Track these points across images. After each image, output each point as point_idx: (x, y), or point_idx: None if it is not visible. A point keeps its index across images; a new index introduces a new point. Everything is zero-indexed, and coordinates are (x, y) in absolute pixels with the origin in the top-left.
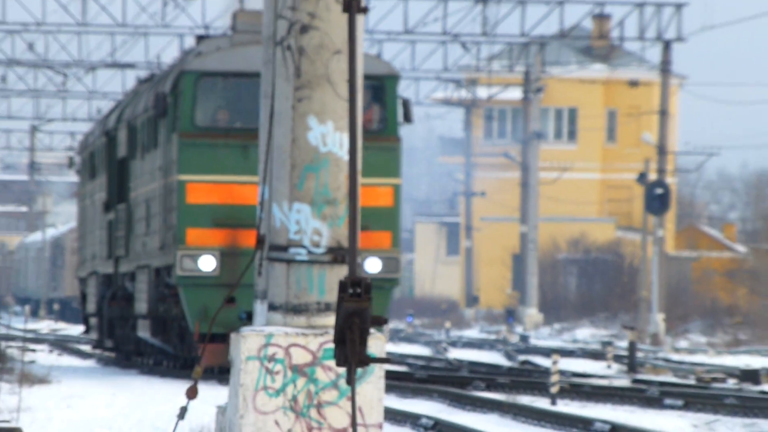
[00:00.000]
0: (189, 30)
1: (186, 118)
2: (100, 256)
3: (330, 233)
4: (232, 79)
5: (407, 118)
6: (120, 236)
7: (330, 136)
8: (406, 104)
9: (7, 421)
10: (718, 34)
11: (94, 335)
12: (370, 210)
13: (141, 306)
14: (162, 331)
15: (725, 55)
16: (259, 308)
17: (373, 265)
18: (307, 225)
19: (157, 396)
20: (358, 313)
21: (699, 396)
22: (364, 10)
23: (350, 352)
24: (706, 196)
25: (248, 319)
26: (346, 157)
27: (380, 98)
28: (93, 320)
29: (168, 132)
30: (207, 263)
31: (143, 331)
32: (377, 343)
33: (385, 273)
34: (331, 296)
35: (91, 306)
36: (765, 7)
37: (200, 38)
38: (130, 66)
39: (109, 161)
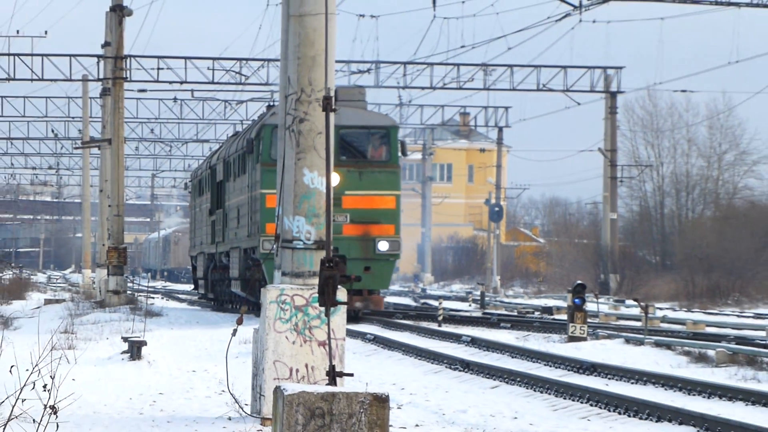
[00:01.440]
0: (239, 122)
1: (266, 153)
2: (206, 242)
3: (316, 233)
4: None
5: (404, 152)
6: (219, 229)
7: (316, 179)
8: (403, 144)
9: (138, 337)
10: (529, 123)
11: (201, 291)
12: (382, 210)
13: (234, 272)
14: (247, 288)
15: (534, 134)
16: (277, 274)
17: (383, 246)
18: (303, 228)
19: (225, 324)
20: (331, 276)
21: (519, 321)
22: (334, 110)
23: (327, 298)
24: (523, 212)
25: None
26: (324, 190)
27: (387, 140)
28: (201, 282)
29: (253, 163)
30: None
31: (235, 288)
32: (342, 294)
33: (390, 250)
34: (317, 267)
35: (200, 273)
36: (555, 107)
37: (269, 106)
38: (206, 141)
39: (212, 184)
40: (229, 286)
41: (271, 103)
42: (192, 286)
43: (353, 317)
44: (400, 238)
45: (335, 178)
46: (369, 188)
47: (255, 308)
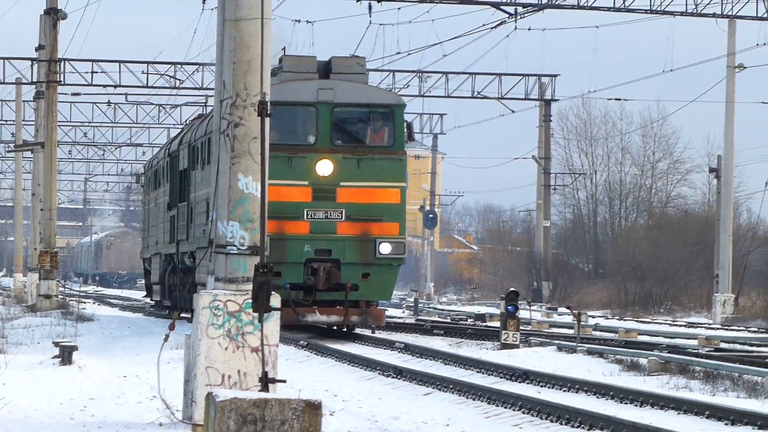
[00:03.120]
0: (173, 126)
1: None
2: (163, 241)
3: (250, 238)
4: (280, 107)
5: (410, 137)
6: (182, 226)
7: (251, 184)
8: (409, 126)
9: (69, 342)
10: (464, 130)
11: (156, 297)
12: (384, 206)
13: (203, 277)
14: None
15: (469, 141)
16: (210, 279)
17: (385, 248)
18: (237, 233)
19: (158, 329)
20: (265, 282)
21: (453, 328)
22: (269, 115)
23: (260, 304)
24: (457, 219)
25: (291, 289)
26: (258, 195)
27: (390, 121)
28: (156, 287)
29: None
30: None
31: None
32: (276, 299)
33: (394, 254)
34: (250, 273)
35: (154, 277)
36: (490, 114)
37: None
38: (140, 145)
39: (171, 174)
40: (193, 291)
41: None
42: (144, 293)
43: (346, 334)
44: (406, 240)
45: (327, 166)
46: (369, 179)
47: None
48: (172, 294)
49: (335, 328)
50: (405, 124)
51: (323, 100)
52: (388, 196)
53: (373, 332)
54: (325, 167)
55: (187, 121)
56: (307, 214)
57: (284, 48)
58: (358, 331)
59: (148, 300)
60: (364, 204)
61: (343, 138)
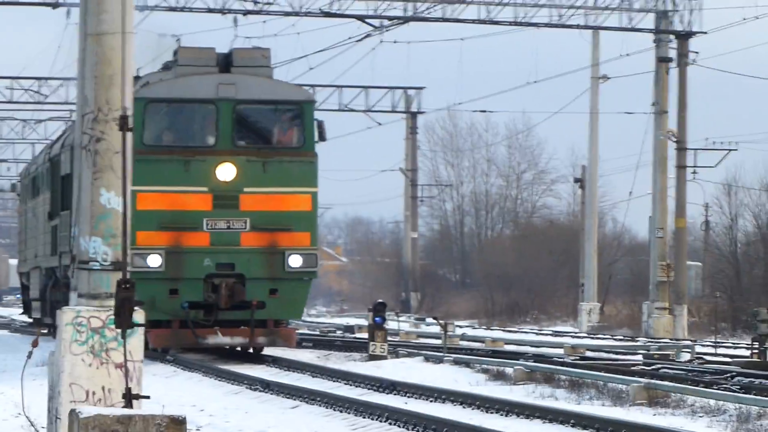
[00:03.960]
0: (38, 141)
1: (136, 137)
2: (44, 254)
3: (113, 254)
4: (175, 105)
5: (321, 137)
6: (64, 236)
7: (113, 199)
8: (320, 125)
9: None
10: (331, 142)
11: (36, 315)
12: (293, 214)
13: None
14: None
15: (336, 154)
16: (73, 296)
17: (295, 261)
18: (100, 249)
19: (25, 346)
20: (127, 298)
21: (321, 340)
22: (130, 129)
23: (123, 320)
24: (326, 231)
25: (190, 307)
26: (120, 210)
27: (300, 120)
28: (35, 304)
29: None
30: (154, 260)
31: None
32: (140, 315)
33: (305, 267)
34: (113, 289)
35: (34, 292)
36: (357, 127)
37: (136, 78)
38: (4, 161)
39: (52, 180)
40: None
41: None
42: (21, 310)
43: (251, 355)
44: (318, 251)
45: (229, 170)
46: (276, 184)
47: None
48: (54, 310)
49: (239, 349)
50: (315, 123)
51: (224, 97)
52: (297, 202)
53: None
54: (226, 171)
55: (63, 129)
56: (207, 224)
57: (178, 39)
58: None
59: (26, 318)
60: (271, 212)
61: (246, 138)
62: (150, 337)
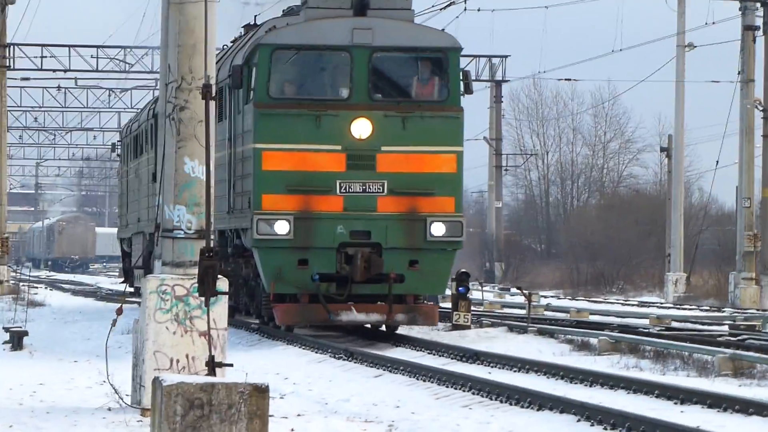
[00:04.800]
0: (123, 110)
1: (262, 88)
2: (148, 218)
3: (197, 222)
4: (305, 52)
5: (468, 89)
6: None
7: (197, 168)
8: (466, 76)
9: (20, 327)
10: None
11: (138, 284)
12: (435, 176)
13: None
14: None
15: None
16: (157, 264)
17: (438, 229)
18: (184, 217)
19: (110, 314)
20: (211, 266)
21: None
22: (213, 98)
23: (207, 288)
24: None
25: (321, 280)
26: (204, 179)
27: (443, 70)
28: (137, 272)
29: (241, 102)
30: (282, 227)
31: None
32: (223, 283)
33: (448, 236)
34: (197, 257)
35: (137, 260)
36: None
37: (254, 25)
38: (90, 129)
39: (157, 138)
40: None
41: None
42: (121, 279)
43: (386, 335)
44: (464, 218)
45: (365, 127)
46: (417, 142)
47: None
48: None
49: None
50: (461, 73)
51: (359, 43)
52: (441, 163)
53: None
54: (362, 128)
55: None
56: (341, 187)
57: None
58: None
59: (127, 287)
60: (412, 174)
61: (384, 91)
62: (276, 313)
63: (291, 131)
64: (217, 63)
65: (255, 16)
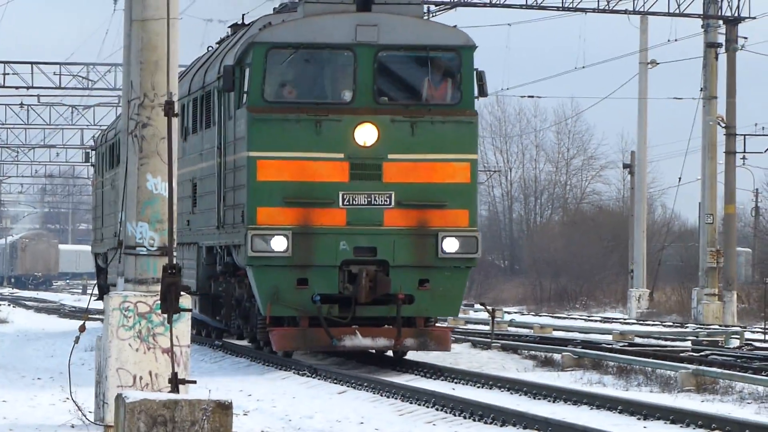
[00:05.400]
0: (86, 126)
1: (256, 90)
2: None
3: (159, 239)
4: (303, 51)
5: (482, 91)
6: None
7: (159, 185)
8: (481, 77)
9: None
10: None
11: None
12: (447, 187)
13: (188, 282)
14: (210, 307)
15: None
16: (120, 281)
17: (450, 245)
18: (147, 234)
19: (73, 332)
20: (173, 283)
21: None
22: (176, 115)
23: (169, 305)
24: None
25: (322, 301)
26: (167, 196)
27: (456, 70)
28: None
29: (232, 107)
30: (279, 243)
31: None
32: (187, 300)
33: (462, 253)
34: (160, 274)
35: (113, 276)
36: None
37: (242, 25)
38: (53, 146)
39: None
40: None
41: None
42: (87, 296)
43: (391, 360)
44: (478, 233)
45: (370, 133)
46: (427, 149)
47: (218, 335)
48: None
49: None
50: (475, 74)
51: (363, 41)
52: (453, 172)
53: None
54: (366, 134)
55: None
56: (344, 200)
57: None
58: None
59: (101, 304)
60: (421, 184)
61: (390, 93)
62: (273, 338)
63: (289, 138)
64: (203, 65)
65: (243, 15)
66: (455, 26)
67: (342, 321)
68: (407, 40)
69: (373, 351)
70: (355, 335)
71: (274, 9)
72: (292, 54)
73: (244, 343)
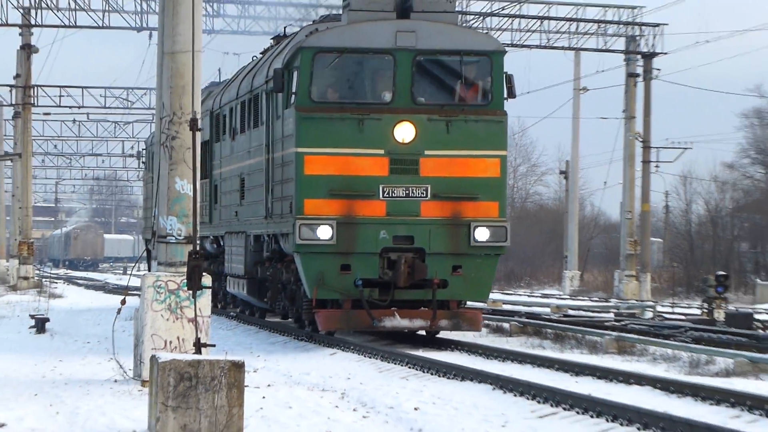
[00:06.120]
0: (127, 138)
1: (304, 92)
2: None
3: (185, 230)
4: (347, 55)
5: (511, 93)
6: (202, 206)
7: (185, 186)
8: (510, 79)
9: (43, 315)
10: None
11: None
12: (479, 180)
13: (236, 267)
14: (256, 290)
15: None
16: (154, 264)
17: (482, 234)
18: (175, 226)
19: (115, 304)
20: (197, 265)
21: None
22: (199, 129)
23: (193, 284)
24: None
25: (364, 286)
26: (191, 194)
27: (488, 73)
28: None
29: (280, 107)
30: (324, 232)
31: (237, 288)
32: (207, 279)
33: (492, 241)
34: (186, 258)
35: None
36: None
37: (281, 36)
38: (100, 155)
39: None
40: (214, 281)
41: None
42: (115, 276)
43: (427, 339)
44: (508, 223)
45: (408, 131)
46: (461, 146)
47: (261, 315)
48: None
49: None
50: (505, 77)
51: (403, 46)
52: (485, 167)
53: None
54: (405, 132)
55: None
56: (384, 192)
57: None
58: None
59: (138, 282)
60: (455, 178)
61: (427, 94)
62: (319, 319)
63: (333, 135)
64: (250, 72)
65: (284, 27)
66: (487, 33)
67: (382, 303)
68: (443, 45)
69: (409, 331)
70: (394, 317)
71: (314, 21)
72: (336, 58)
73: (276, 320)
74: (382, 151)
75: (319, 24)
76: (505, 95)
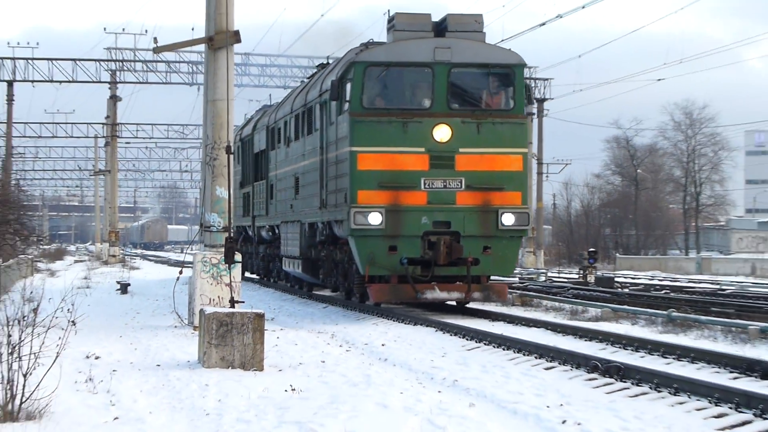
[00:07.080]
0: (183, 159)
1: (356, 99)
2: (235, 215)
3: (223, 223)
4: (393, 68)
5: (530, 99)
6: (259, 202)
7: (223, 192)
8: (528, 89)
9: (125, 281)
10: None
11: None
12: (505, 174)
13: (292, 250)
14: (311, 269)
15: None
16: (200, 246)
17: (508, 219)
18: (216, 220)
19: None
20: (231, 247)
21: None
22: (232, 153)
23: (228, 259)
24: None
25: (408, 264)
26: (227, 198)
27: (511, 83)
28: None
29: (334, 113)
30: (375, 218)
31: (292, 267)
32: (238, 256)
33: (517, 225)
34: (223, 242)
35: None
36: None
37: (321, 66)
38: (165, 170)
39: (243, 156)
40: (269, 261)
41: (369, 41)
42: (176, 255)
43: (455, 308)
44: (529, 210)
45: (445, 132)
46: (489, 144)
47: (309, 288)
48: (246, 260)
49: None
50: (525, 86)
51: (440, 60)
52: (509, 163)
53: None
54: (442, 133)
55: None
56: (425, 184)
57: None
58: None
59: (191, 258)
60: (485, 172)
61: (460, 101)
62: (371, 292)
63: (382, 136)
64: (302, 91)
65: (327, 57)
66: (510, 48)
67: (424, 279)
68: (473, 59)
69: (445, 302)
70: (434, 290)
71: (361, 44)
72: (384, 70)
73: (326, 293)
74: (423, 149)
75: (369, 44)
76: (525, 102)
